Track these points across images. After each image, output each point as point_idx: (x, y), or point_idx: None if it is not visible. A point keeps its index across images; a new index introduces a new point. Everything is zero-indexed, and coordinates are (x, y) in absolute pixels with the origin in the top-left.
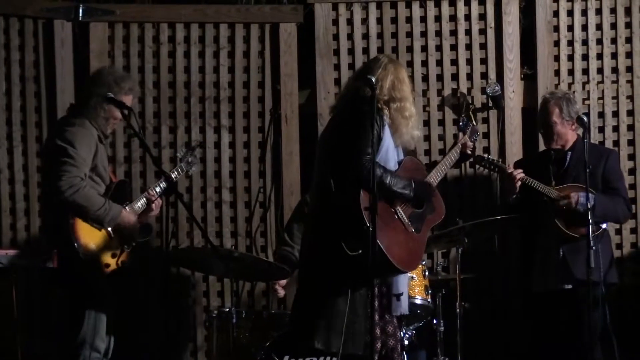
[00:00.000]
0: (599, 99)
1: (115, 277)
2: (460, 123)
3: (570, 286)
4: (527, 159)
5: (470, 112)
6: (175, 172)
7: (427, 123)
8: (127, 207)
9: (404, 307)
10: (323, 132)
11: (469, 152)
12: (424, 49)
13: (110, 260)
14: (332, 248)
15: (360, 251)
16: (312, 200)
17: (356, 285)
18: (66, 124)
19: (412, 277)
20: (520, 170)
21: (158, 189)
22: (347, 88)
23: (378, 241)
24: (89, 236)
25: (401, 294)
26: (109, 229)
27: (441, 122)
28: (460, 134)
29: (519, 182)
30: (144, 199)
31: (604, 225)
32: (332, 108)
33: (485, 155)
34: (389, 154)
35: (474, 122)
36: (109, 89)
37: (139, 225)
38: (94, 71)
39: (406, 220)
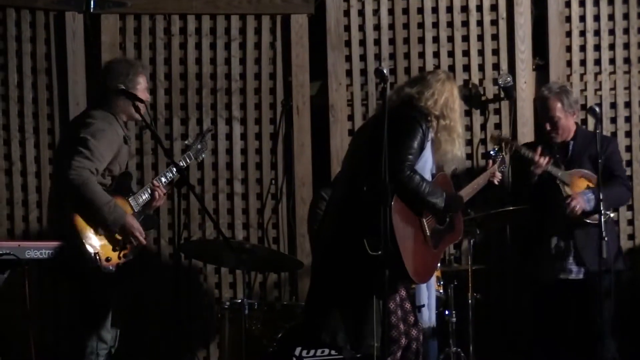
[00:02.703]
0: (611, 89)
1: (126, 269)
2: (492, 152)
3: (581, 276)
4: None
5: (503, 144)
6: (183, 162)
7: None
8: (130, 200)
9: (425, 319)
10: (361, 128)
11: (496, 183)
12: (436, 40)
13: (111, 254)
14: (353, 244)
15: (380, 252)
16: (337, 192)
17: (372, 283)
18: (92, 117)
19: None
20: (547, 158)
21: (164, 179)
22: (397, 91)
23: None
24: (89, 229)
25: (422, 306)
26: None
27: None
28: (490, 162)
29: (545, 169)
30: (149, 189)
31: (610, 213)
32: (378, 107)
33: (522, 149)
34: (427, 166)
35: (504, 153)
36: (127, 76)
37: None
38: (107, 63)
39: (428, 234)
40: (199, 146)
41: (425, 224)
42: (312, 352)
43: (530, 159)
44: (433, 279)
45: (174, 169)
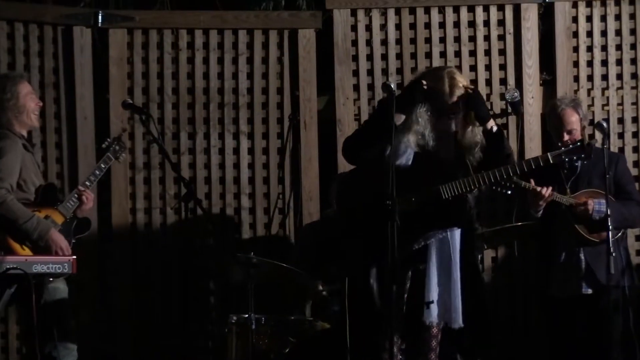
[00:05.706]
0: (618, 104)
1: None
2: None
3: (590, 291)
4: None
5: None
6: (103, 165)
7: None
8: (60, 207)
9: (433, 316)
10: None
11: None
12: (443, 54)
13: None
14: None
15: None
16: None
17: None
18: None
19: None
20: (550, 189)
21: (88, 183)
22: None
23: None
24: (19, 246)
25: (431, 302)
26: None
27: None
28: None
29: (549, 200)
30: (75, 195)
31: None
32: None
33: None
34: (407, 152)
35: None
36: (4, 90)
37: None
38: None
39: None
40: (116, 147)
41: None
42: None
43: (531, 190)
44: (457, 274)
45: (97, 171)
